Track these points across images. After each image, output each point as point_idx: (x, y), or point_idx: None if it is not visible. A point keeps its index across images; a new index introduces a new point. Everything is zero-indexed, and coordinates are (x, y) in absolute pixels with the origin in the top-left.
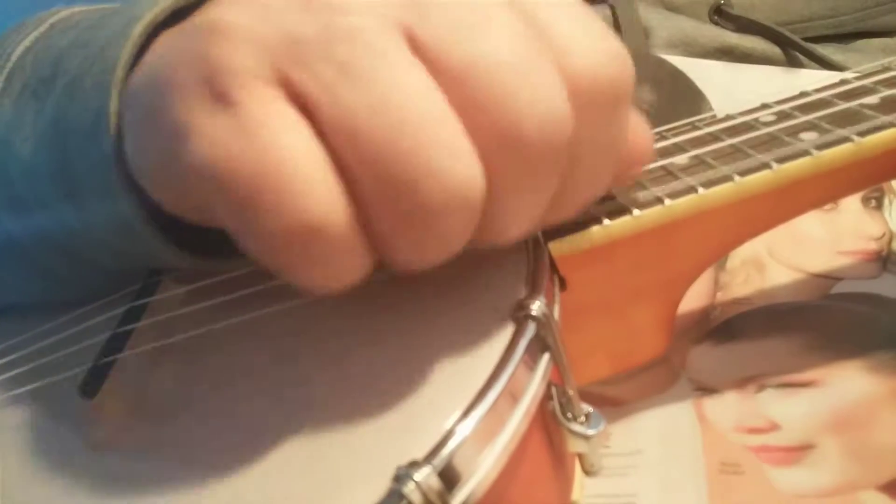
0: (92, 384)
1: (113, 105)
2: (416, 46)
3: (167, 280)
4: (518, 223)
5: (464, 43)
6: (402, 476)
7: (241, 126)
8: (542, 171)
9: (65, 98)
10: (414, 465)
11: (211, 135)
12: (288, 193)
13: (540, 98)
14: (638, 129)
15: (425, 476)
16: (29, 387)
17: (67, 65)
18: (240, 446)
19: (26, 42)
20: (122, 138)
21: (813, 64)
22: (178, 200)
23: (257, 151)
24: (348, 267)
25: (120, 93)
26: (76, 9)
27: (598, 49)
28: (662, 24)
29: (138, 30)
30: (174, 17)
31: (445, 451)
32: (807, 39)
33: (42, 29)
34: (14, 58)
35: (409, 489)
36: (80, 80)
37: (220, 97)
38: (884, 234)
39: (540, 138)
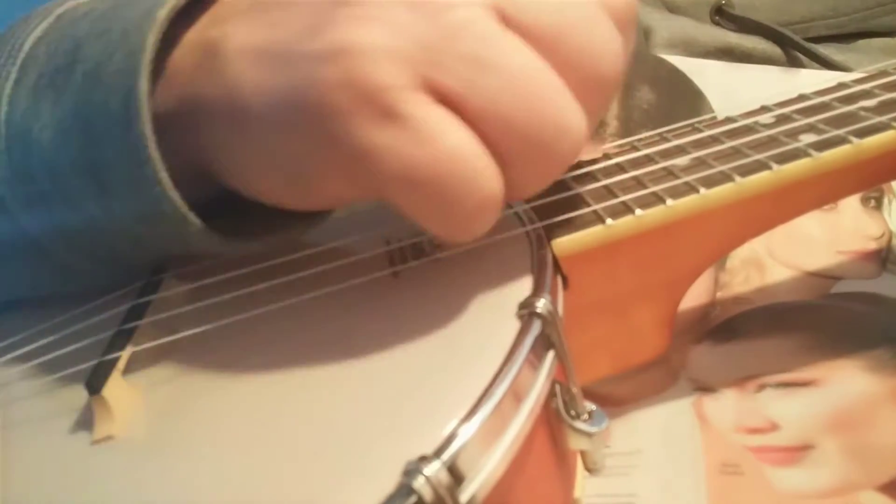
0: (97, 380)
1: (144, 88)
2: (510, 23)
3: (169, 278)
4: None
5: (545, 12)
6: (411, 470)
7: (417, 135)
8: (612, 93)
9: (86, 86)
10: (424, 459)
11: (394, 148)
12: (470, 181)
13: (609, 44)
14: None
15: (435, 470)
16: (35, 382)
17: (85, 54)
18: (245, 443)
19: (37, 32)
20: (161, 124)
21: (814, 64)
22: (296, 196)
23: (438, 152)
24: (495, 218)
25: (151, 81)
26: (79, 0)
27: None
28: (663, 24)
29: (163, 14)
30: (179, 16)
31: (453, 447)
32: (808, 39)
33: (50, 20)
34: (26, 48)
35: (420, 483)
36: (102, 67)
37: (389, 113)
38: (883, 234)
39: (615, 75)
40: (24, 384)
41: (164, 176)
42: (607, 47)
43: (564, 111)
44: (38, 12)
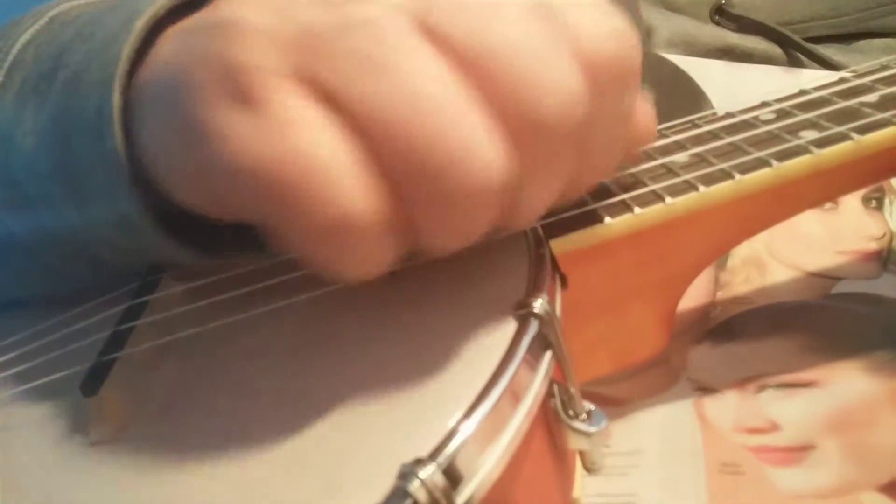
0: (93, 382)
1: (116, 101)
2: (431, 35)
3: (166, 278)
4: (539, 203)
5: (479, 29)
6: (406, 473)
7: (268, 125)
8: (561, 150)
9: (66, 93)
10: (419, 462)
11: (238, 135)
12: (320, 189)
13: (557, 79)
14: (642, 108)
15: (430, 474)
16: (30, 384)
17: (68, 59)
18: (241, 444)
19: (26, 36)
20: (128, 136)
21: (814, 64)
22: (202, 200)
23: (287, 150)
24: (378, 255)
25: (124, 89)
26: (74, 2)
27: (607, 29)
28: (664, 23)
29: (140, 24)
30: (171, 14)
31: (449, 448)
32: (808, 40)
33: (42, 22)
34: (14, 52)
35: (415, 487)
36: (82, 75)
37: (244, 96)
38: (884, 234)
39: (559, 118)
40: (20, 386)
41: (134, 189)
42: (554, 83)
43: (467, 142)
44: (30, 14)
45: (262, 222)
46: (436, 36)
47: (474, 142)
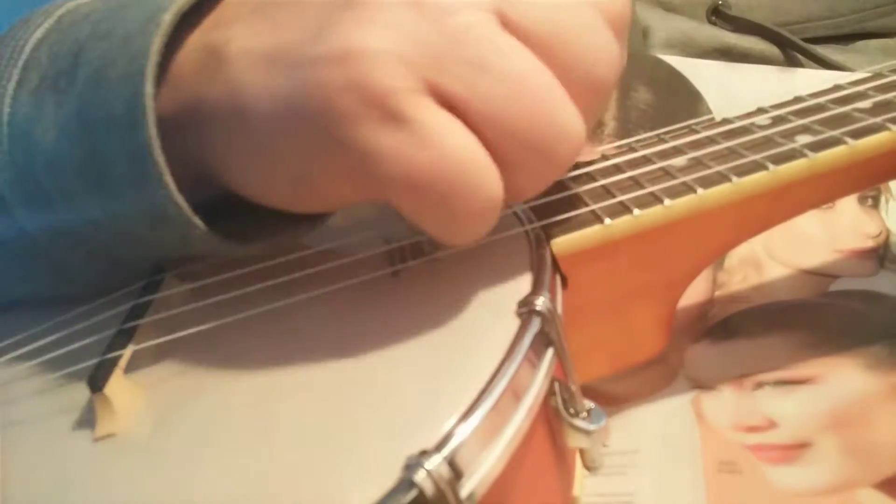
0: (100, 377)
1: (149, 92)
2: (512, 28)
3: (171, 277)
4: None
5: (544, 16)
6: (412, 465)
7: (421, 138)
8: (608, 97)
9: (89, 89)
10: (424, 454)
11: (398, 151)
12: (473, 183)
13: (604, 47)
14: None
15: (436, 465)
16: (36, 381)
17: (88, 56)
18: (246, 440)
19: (38, 34)
20: (163, 126)
21: (812, 64)
22: (299, 199)
23: (441, 156)
24: (494, 221)
25: (157, 84)
26: (80, 1)
27: None
28: (660, 24)
29: (168, 18)
30: (183, 17)
31: (453, 442)
32: (805, 40)
33: (51, 21)
34: (27, 50)
35: (421, 477)
36: (105, 72)
37: (394, 117)
38: (881, 233)
39: (611, 79)
40: (26, 382)
41: (168, 179)
42: (604, 51)
43: (563, 115)
44: (38, 13)
45: (418, 218)
46: (514, 27)
47: (568, 117)
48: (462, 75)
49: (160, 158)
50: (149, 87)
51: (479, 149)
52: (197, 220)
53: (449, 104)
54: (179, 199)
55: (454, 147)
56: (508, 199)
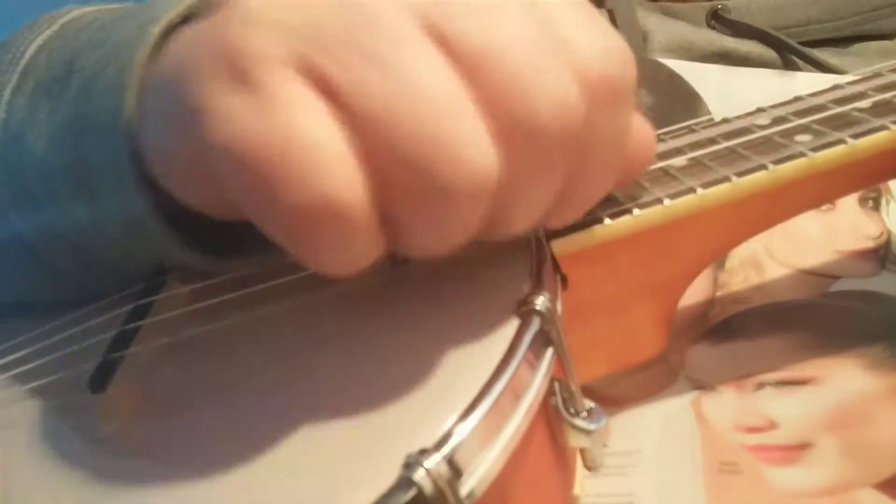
0: (100, 380)
1: (130, 103)
2: (434, 34)
3: (172, 279)
4: (527, 213)
5: (480, 32)
6: (412, 463)
7: (261, 105)
8: (552, 158)
9: (80, 97)
10: (424, 452)
11: (231, 113)
12: (307, 171)
13: (553, 85)
14: (641, 129)
15: (436, 463)
16: (36, 383)
17: (82, 64)
18: (247, 440)
19: (38, 41)
20: (138, 136)
21: (809, 67)
22: (198, 189)
23: (277, 129)
24: (362, 249)
25: (138, 92)
26: (87, 9)
27: (603, 45)
28: (660, 28)
29: (156, 31)
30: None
31: (452, 441)
32: (805, 43)
33: (54, 28)
34: (27, 56)
35: (420, 476)
36: (96, 80)
37: (240, 77)
38: (881, 234)
39: (553, 124)
40: (26, 385)
41: (147, 192)
42: (550, 90)
43: (459, 140)
44: (43, 20)
45: (247, 204)
46: (440, 36)
47: (466, 140)
48: (345, 61)
49: (137, 170)
50: (131, 99)
51: (333, 139)
52: (171, 234)
53: (325, 91)
54: (151, 210)
55: (299, 124)
56: (397, 241)
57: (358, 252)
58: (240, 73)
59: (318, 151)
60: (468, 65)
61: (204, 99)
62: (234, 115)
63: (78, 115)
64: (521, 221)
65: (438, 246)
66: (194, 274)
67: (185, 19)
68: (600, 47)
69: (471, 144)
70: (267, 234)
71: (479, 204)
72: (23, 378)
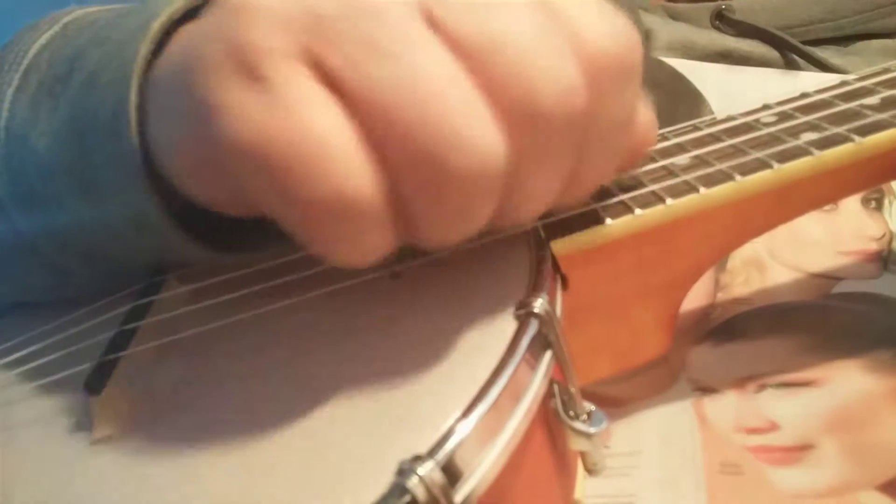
0: (98, 380)
1: (133, 99)
2: (435, 23)
3: (171, 279)
4: (536, 199)
5: (480, 19)
6: (405, 470)
7: (274, 102)
8: (558, 143)
9: (81, 94)
10: (417, 459)
11: (244, 111)
12: (321, 165)
13: (556, 70)
14: (643, 113)
15: (429, 470)
16: (34, 384)
17: (84, 62)
18: (243, 442)
19: (42, 40)
20: (143, 133)
21: (811, 67)
22: (206, 184)
23: (291, 125)
24: (375, 241)
25: (140, 88)
26: (90, 9)
27: (608, 28)
28: (663, 27)
29: (156, 26)
30: (187, 16)
31: (448, 446)
32: (807, 43)
33: (57, 28)
34: (30, 55)
35: (413, 483)
36: (97, 77)
37: (252, 74)
38: (884, 235)
39: (556, 109)
40: (25, 385)
41: (150, 187)
42: (552, 76)
43: (467, 127)
44: (46, 20)
45: (263, 200)
46: (440, 26)
47: (473, 127)
48: (347, 52)
49: (140, 165)
50: (133, 95)
51: (345, 134)
52: (175, 229)
53: (331, 83)
54: (157, 207)
55: (310, 121)
56: (417, 238)
57: (371, 244)
58: (248, 69)
59: (330, 147)
60: (470, 53)
61: (214, 95)
62: (245, 112)
63: (80, 112)
64: (533, 207)
65: (451, 235)
66: (193, 274)
67: (188, 14)
68: (605, 29)
69: (476, 130)
70: (280, 226)
71: (489, 190)
72: (23, 378)
